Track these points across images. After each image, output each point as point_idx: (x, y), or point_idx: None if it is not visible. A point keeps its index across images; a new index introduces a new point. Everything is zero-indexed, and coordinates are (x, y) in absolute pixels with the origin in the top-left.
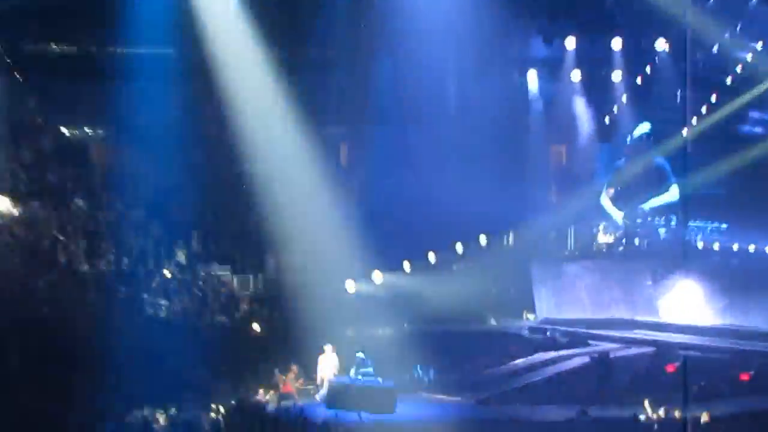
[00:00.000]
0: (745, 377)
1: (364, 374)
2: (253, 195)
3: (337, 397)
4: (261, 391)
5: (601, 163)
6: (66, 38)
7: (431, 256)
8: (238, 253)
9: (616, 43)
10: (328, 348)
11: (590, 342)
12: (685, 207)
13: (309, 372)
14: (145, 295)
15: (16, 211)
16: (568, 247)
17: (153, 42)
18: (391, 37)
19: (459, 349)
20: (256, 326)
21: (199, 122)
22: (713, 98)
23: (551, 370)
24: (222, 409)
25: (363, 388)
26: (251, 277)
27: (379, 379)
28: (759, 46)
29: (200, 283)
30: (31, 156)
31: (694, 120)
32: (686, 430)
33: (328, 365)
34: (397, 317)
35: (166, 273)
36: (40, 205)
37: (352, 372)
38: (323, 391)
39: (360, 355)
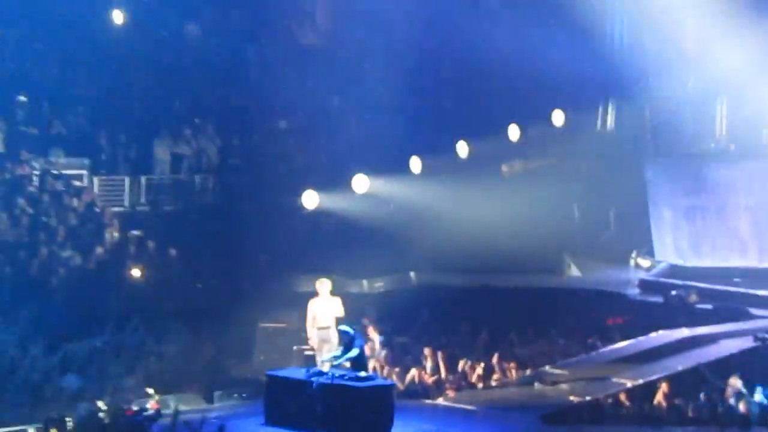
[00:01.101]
0: None
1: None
2: None
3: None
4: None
5: None
6: None
7: (461, 147)
8: (105, 136)
9: None
10: (322, 285)
11: (752, 311)
12: None
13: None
14: None
15: None
16: (715, 136)
17: None
18: None
19: (509, 321)
20: (136, 271)
21: None
22: None
23: (683, 362)
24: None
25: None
26: (127, 179)
27: (362, 373)
28: None
29: (30, 189)
30: None
31: None
32: None
33: (324, 313)
34: (395, 259)
35: None
36: None
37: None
38: (325, 355)
39: (346, 329)
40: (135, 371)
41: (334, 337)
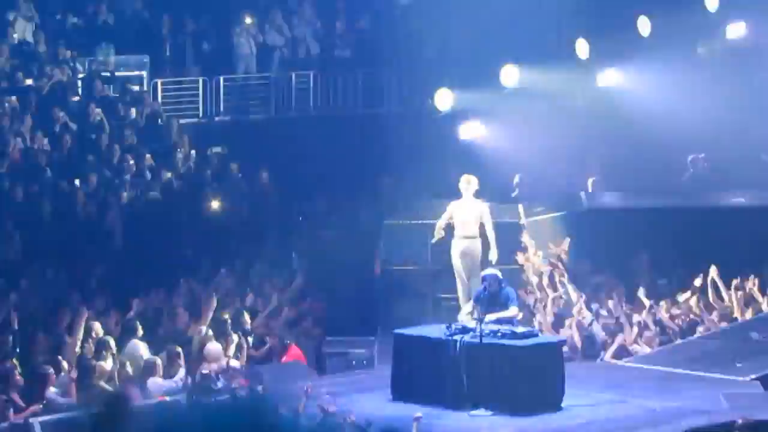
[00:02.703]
0: None
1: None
2: None
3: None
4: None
5: None
6: None
7: (642, 23)
8: (168, 25)
9: None
10: (468, 185)
11: None
12: None
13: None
14: None
15: None
16: None
17: None
18: None
19: (708, 252)
20: (216, 203)
21: None
22: None
23: None
24: None
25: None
26: (200, 81)
27: (519, 329)
28: None
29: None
30: None
31: None
32: None
33: (468, 220)
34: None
35: None
36: None
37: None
38: (466, 308)
39: (494, 273)
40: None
41: (478, 251)
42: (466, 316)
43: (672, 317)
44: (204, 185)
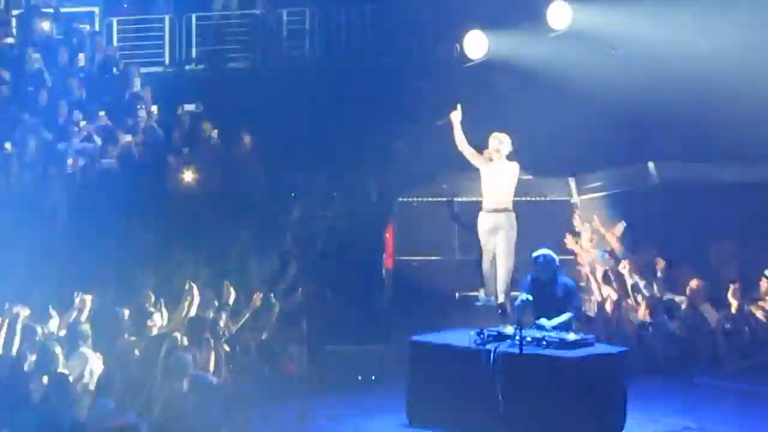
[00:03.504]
0: None
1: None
2: None
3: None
4: None
5: None
6: None
7: None
8: None
9: None
10: (501, 144)
11: None
12: None
13: None
14: None
15: None
16: None
17: None
18: None
19: None
20: (189, 174)
21: None
22: None
23: None
24: None
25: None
26: (166, 20)
27: (571, 336)
28: None
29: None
30: None
31: None
32: None
33: (499, 186)
34: (622, 145)
35: None
36: None
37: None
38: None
39: (547, 253)
40: None
41: (513, 227)
42: (484, 298)
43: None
44: (172, 152)
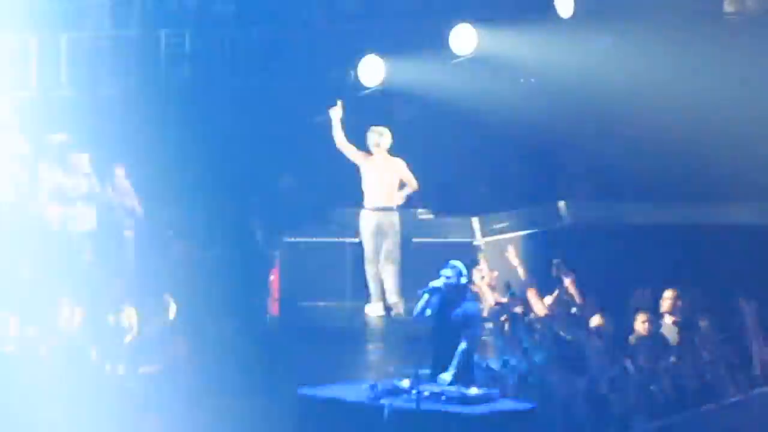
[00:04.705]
0: None
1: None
2: None
3: None
4: None
5: None
6: None
7: None
8: None
9: None
10: (380, 137)
11: None
12: None
13: None
14: None
15: None
16: None
17: None
18: None
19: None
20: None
21: None
22: None
23: None
24: None
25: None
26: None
27: (472, 390)
28: None
29: None
30: None
31: None
32: None
33: (382, 185)
34: (530, 181)
35: None
36: None
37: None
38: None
39: (456, 267)
40: None
41: (394, 231)
42: (373, 309)
43: None
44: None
